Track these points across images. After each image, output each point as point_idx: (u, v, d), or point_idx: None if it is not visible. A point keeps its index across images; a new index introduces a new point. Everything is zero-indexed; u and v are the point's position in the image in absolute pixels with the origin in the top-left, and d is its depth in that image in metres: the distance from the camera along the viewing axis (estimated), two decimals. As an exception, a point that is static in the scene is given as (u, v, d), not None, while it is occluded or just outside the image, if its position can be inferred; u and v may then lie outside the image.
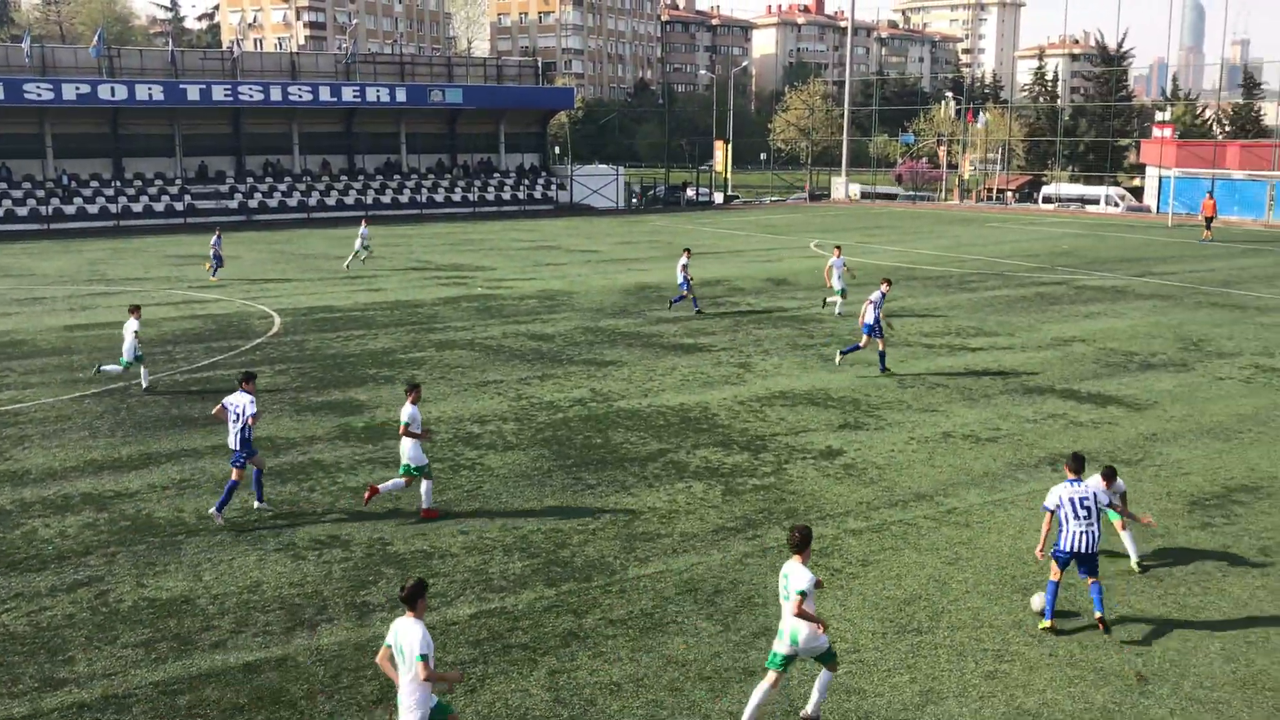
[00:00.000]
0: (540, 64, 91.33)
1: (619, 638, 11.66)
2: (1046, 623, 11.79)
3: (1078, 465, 12.06)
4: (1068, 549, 11.74)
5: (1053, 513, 11.93)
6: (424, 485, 15.27)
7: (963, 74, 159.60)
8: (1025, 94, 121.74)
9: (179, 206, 68.43)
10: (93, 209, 66.34)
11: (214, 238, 41.02)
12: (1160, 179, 72.30)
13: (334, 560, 13.72)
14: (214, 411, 15.82)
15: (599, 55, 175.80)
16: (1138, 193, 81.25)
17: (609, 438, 19.18)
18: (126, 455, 18.11)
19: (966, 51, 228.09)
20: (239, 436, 15.07)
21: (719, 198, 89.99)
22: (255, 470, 15.55)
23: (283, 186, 73.17)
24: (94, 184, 68.11)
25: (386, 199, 75.55)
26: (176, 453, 18.25)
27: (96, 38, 68.28)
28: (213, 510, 15.05)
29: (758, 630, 11.79)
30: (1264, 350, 26.55)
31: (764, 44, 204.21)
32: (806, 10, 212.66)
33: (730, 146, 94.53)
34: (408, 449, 15.11)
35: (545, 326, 30.03)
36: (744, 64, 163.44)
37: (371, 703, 10.35)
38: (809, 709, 10.02)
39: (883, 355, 24.15)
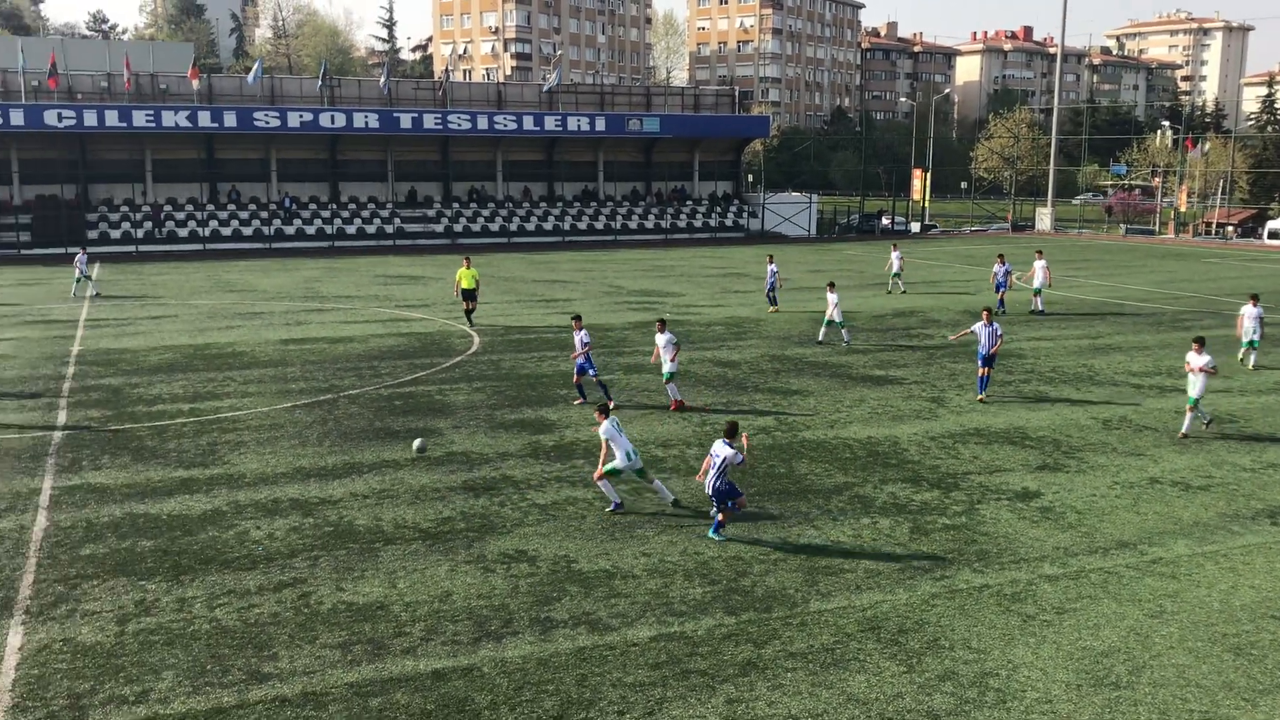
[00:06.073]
0: (737, 92, 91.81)
1: (799, 671, 11.50)
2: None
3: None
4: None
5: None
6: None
7: (1181, 102, 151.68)
8: (1251, 123, 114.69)
9: (389, 229, 71.94)
10: (310, 230, 70.57)
11: (770, 267, 38.94)
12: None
13: (521, 575, 14.05)
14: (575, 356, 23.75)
15: (796, 83, 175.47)
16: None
17: (793, 468, 18.99)
18: (332, 464, 19.08)
19: (1186, 79, 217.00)
20: (585, 356, 23.42)
21: (915, 226, 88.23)
22: (599, 382, 23.86)
23: (486, 212, 75.93)
24: (312, 206, 72.44)
25: (583, 225, 77.37)
26: (378, 464, 19.10)
27: (321, 70, 72.72)
28: (580, 401, 23.47)
29: (943, 673, 11.42)
30: None
31: (968, 71, 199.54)
32: (1014, 37, 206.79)
33: (929, 175, 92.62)
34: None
35: (731, 353, 30.04)
36: (946, 91, 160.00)
37: (552, 718, 10.52)
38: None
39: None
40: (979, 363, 24.29)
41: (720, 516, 15.26)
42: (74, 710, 10.62)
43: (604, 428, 16.30)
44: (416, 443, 17.38)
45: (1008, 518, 16.44)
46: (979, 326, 24.12)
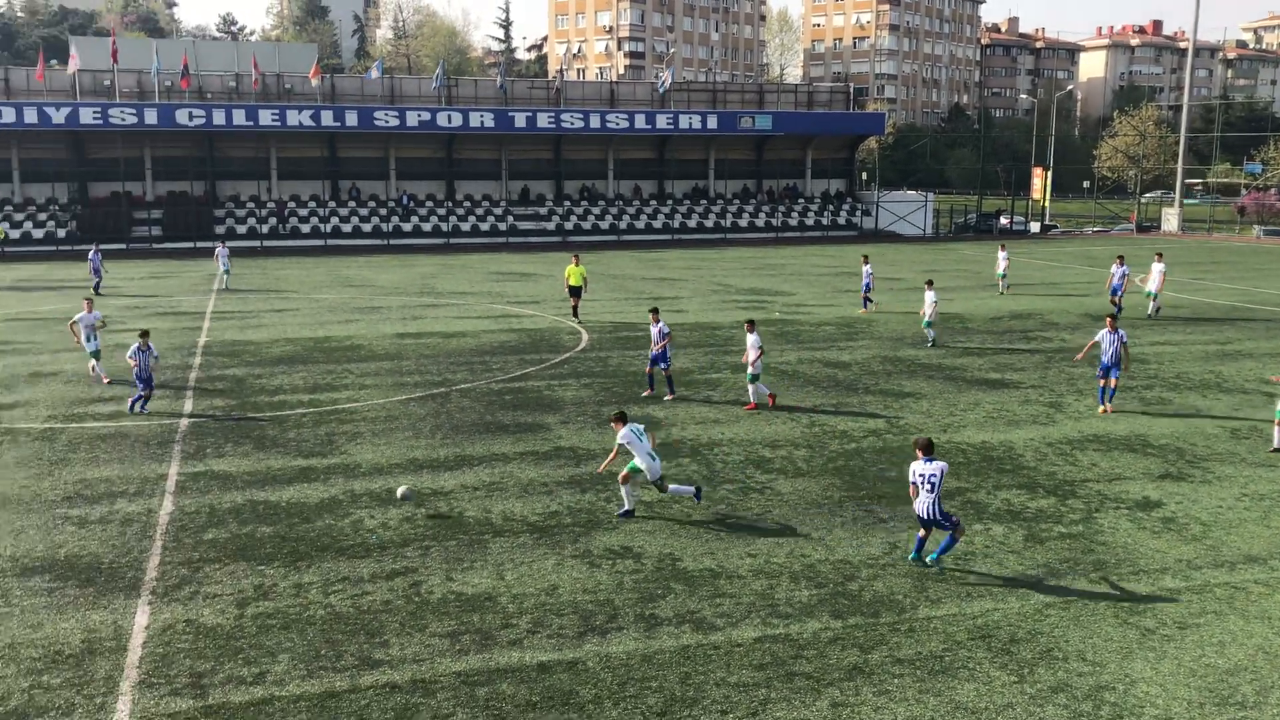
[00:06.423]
0: (852, 89, 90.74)
1: (906, 677, 11.31)
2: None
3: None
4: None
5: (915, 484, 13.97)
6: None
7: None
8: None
9: (502, 227, 72.97)
10: (427, 227, 72.01)
11: (865, 268, 37.89)
12: None
13: (626, 571, 14.11)
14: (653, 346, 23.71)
15: (913, 80, 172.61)
16: None
17: (904, 472, 18.58)
18: (444, 456, 19.43)
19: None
20: (662, 349, 23.31)
21: (1035, 226, 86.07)
22: (667, 377, 23.83)
23: (596, 210, 76.47)
24: (429, 204, 73.88)
25: (693, 223, 77.34)
26: (488, 457, 19.39)
27: (439, 70, 74.10)
28: (669, 395, 23.80)
29: (1056, 685, 11.11)
30: None
31: (1092, 67, 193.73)
32: (1142, 31, 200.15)
33: (1050, 173, 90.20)
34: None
35: (842, 354, 29.70)
36: (1069, 88, 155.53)
37: (656, 714, 10.54)
38: None
39: None
40: (1099, 372, 23.17)
41: (955, 534, 14.01)
42: (195, 689, 11.02)
43: (622, 434, 16.10)
44: (401, 490, 16.64)
45: (1127, 527, 15.92)
46: (1103, 334, 22.89)
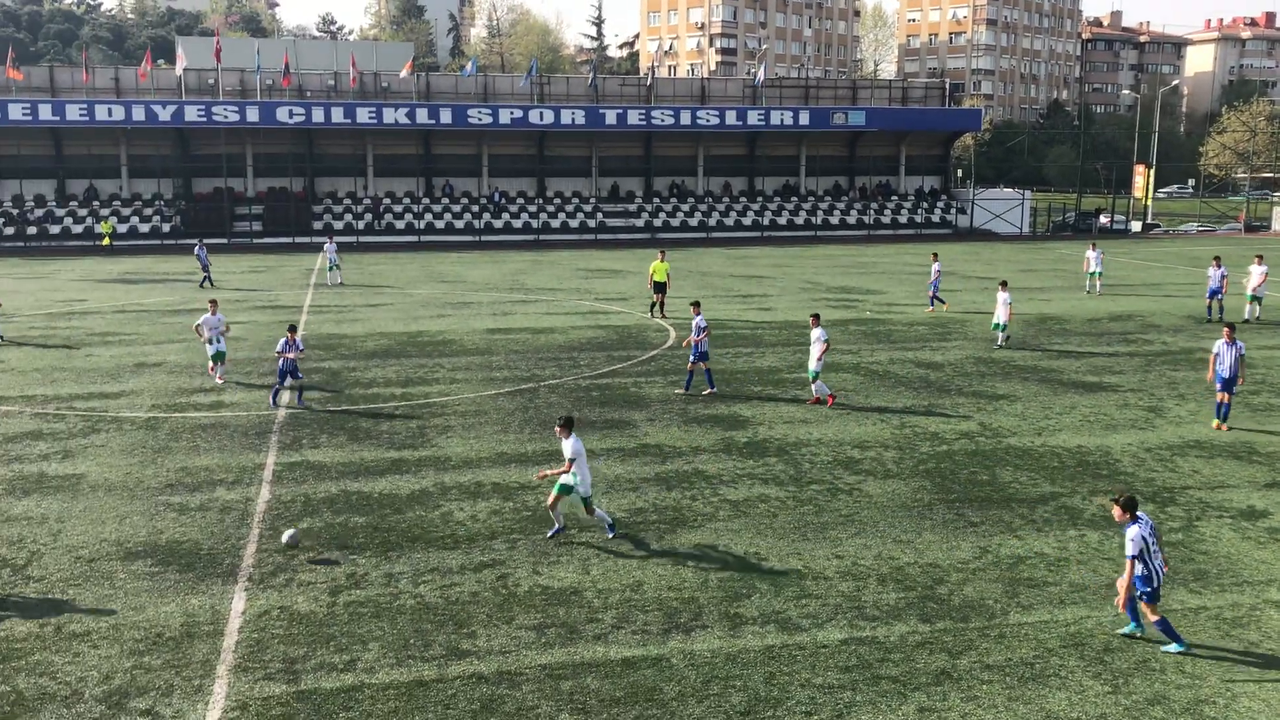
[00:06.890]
0: (948, 85, 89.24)
1: (995, 684, 11.11)
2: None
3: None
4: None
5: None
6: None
7: None
8: None
9: (591, 224, 73.33)
10: (517, 224, 72.69)
11: (934, 266, 37.68)
12: None
13: (711, 569, 14.09)
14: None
15: (1011, 75, 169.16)
16: None
17: (996, 475, 18.34)
18: (531, 450, 19.61)
19: None
20: (699, 347, 23.60)
21: (1136, 226, 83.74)
22: (689, 370, 24.00)
23: (685, 207, 76.39)
24: (520, 200, 74.55)
25: (783, 220, 76.82)
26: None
27: (531, 68, 74.77)
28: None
29: (1153, 697, 10.81)
30: None
31: (1199, 61, 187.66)
32: (1253, 23, 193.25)
33: (1153, 171, 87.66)
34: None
35: (934, 355, 29.25)
36: (1174, 83, 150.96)
37: (740, 714, 10.50)
38: None
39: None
40: (1218, 386, 21.36)
41: (1152, 615, 11.89)
42: (288, 674, 11.29)
43: (572, 444, 14.77)
44: (286, 535, 14.74)
45: (1230, 537, 15.40)
46: (1220, 345, 21.19)
